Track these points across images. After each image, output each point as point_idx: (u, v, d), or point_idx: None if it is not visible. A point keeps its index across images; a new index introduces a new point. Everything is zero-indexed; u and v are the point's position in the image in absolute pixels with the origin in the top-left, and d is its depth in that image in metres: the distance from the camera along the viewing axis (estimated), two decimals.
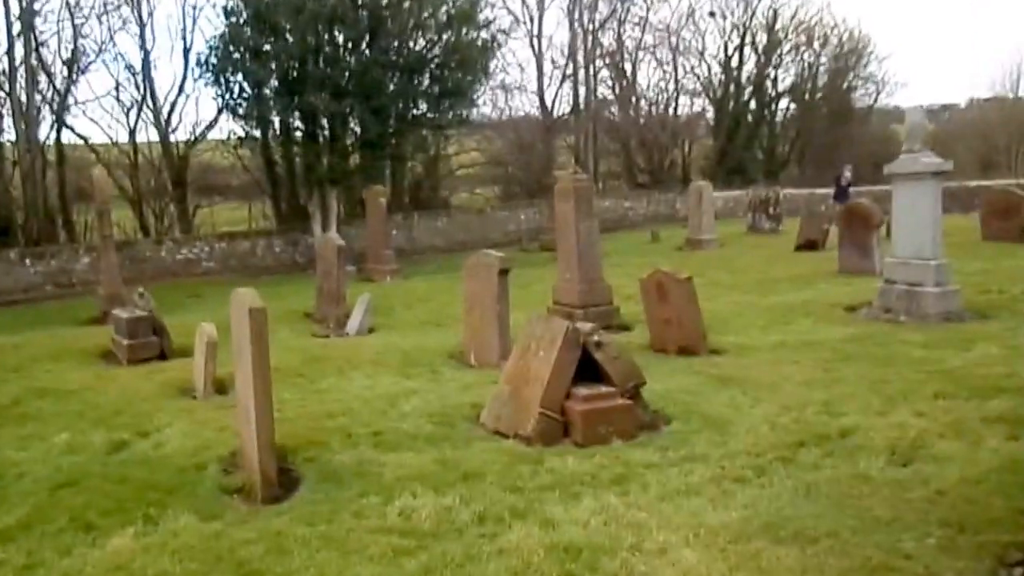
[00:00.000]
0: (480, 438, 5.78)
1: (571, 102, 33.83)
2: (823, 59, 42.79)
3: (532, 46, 32.48)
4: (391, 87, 20.62)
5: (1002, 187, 18.82)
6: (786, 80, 42.86)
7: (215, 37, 21.16)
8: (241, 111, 21.62)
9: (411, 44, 21.12)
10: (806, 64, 42.48)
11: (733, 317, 10.06)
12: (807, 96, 42.72)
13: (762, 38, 40.72)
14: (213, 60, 20.91)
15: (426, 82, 21.26)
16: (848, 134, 43.35)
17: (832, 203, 24.81)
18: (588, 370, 5.90)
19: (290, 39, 19.96)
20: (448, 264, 20.25)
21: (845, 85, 44.10)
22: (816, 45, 42.17)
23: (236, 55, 20.34)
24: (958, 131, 48.03)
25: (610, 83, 36.18)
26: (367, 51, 20.50)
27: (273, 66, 20.09)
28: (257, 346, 4.70)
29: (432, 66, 21.19)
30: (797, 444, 5.35)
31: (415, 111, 21.80)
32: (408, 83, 20.77)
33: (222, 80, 21.10)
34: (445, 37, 21.03)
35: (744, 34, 40.25)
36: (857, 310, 10.24)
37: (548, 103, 33.09)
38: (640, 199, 29.75)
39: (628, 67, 36.59)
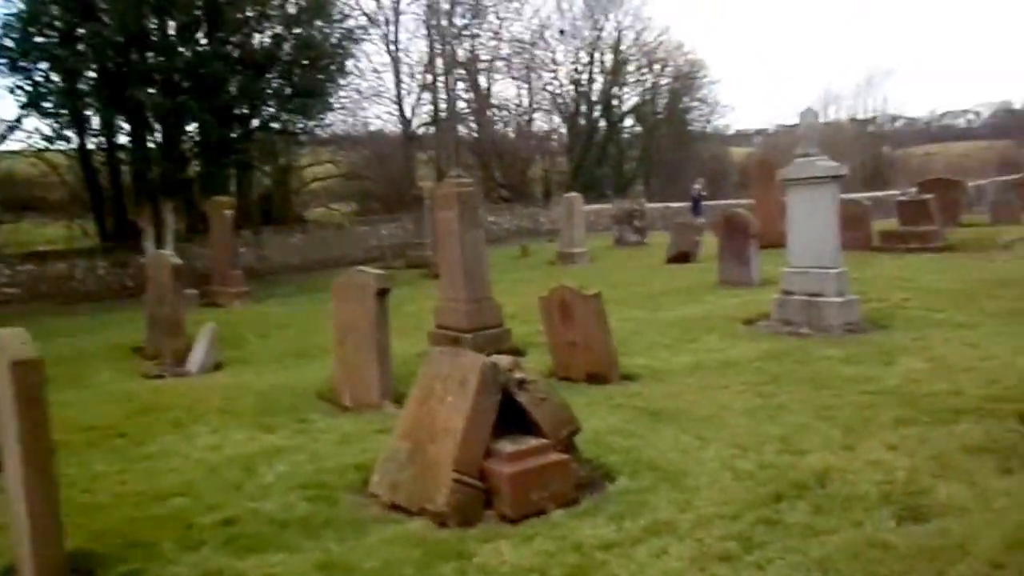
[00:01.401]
0: (375, 519, 4.29)
1: (431, 113, 32.45)
2: (663, 81, 43.78)
3: (389, 52, 30.88)
4: (234, 85, 18.26)
5: (849, 199, 19.06)
6: (631, 100, 43.54)
7: (10, 15, 17.43)
8: (49, 107, 18.00)
9: (257, 37, 18.92)
10: (648, 85, 43.28)
11: (632, 336, 8.99)
12: (650, 116, 43.47)
13: (609, 59, 41.06)
14: (8, 43, 17.28)
15: (275, 81, 19.08)
16: (688, 153, 44.65)
17: (691, 216, 24.76)
18: (509, 417, 4.56)
19: (108, 21, 16.96)
20: (307, 284, 18.35)
21: (682, 106, 45.38)
22: (657, 68, 43.07)
23: (40, 38, 17.07)
24: (766, 153, 50.71)
25: (467, 96, 35.10)
26: (205, 42, 18.12)
27: (90, 53, 17.06)
28: (27, 416, 3.06)
29: (282, 63, 19.01)
30: (774, 498, 4.23)
31: (264, 113, 19.57)
32: (254, 81, 18.49)
33: (22, 68, 17.49)
34: (296, 32, 18.96)
35: (592, 54, 40.42)
36: (755, 323, 9.44)
37: (407, 114, 31.57)
38: (503, 213, 28.71)
39: (483, 81, 35.68)
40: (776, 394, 6.21)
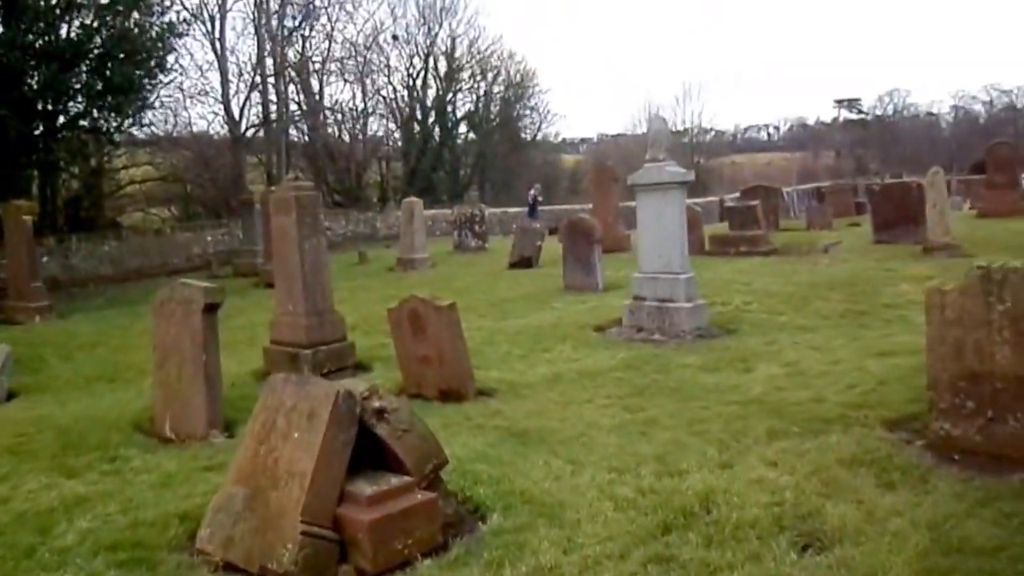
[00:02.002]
0: None
1: (260, 115, 30.64)
2: (496, 89, 43.97)
3: (215, 49, 28.86)
4: (37, 78, 16.28)
5: None
6: (465, 106, 43.41)
7: None
8: None
9: (64, 27, 16.88)
10: (482, 93, 43.33)
11: (484, 346, 8.50)
12: (483, 123, 43.50)
13: (443, 65, 40.71)
14: None
15: (85, 75, 17.12)
16: (521, 159, 45.12)
17: (528, 220, 24.73)
18: (366, 452, 3.91)
19: None
20: (121, 297, 16.61)
21: (515, 114, 45.81)
22: (490, 76, 43.21)
23: None
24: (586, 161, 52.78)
25: (298, 98, 33.53)
26: (0, 30, 16.01)
27: None
28: None
29: (92, 56, 17.08)
30: (662, 529, 3.84)
31: (71, 110, 17.50)
32: (60, 74, 16.55)
33: None
34: (110, 22, 17.09)
35: (427, 60, 39.91)
36: (607, 330, 9.21)
37: (235, 115, 29.61)
38: (338, 219, 27.50)
39: (316, 83, 34.25)
40: (643, 407, 5.88)
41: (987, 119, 67.34)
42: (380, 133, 39.39)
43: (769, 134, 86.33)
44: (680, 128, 56.49)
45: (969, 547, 3.34)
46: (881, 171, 52.57)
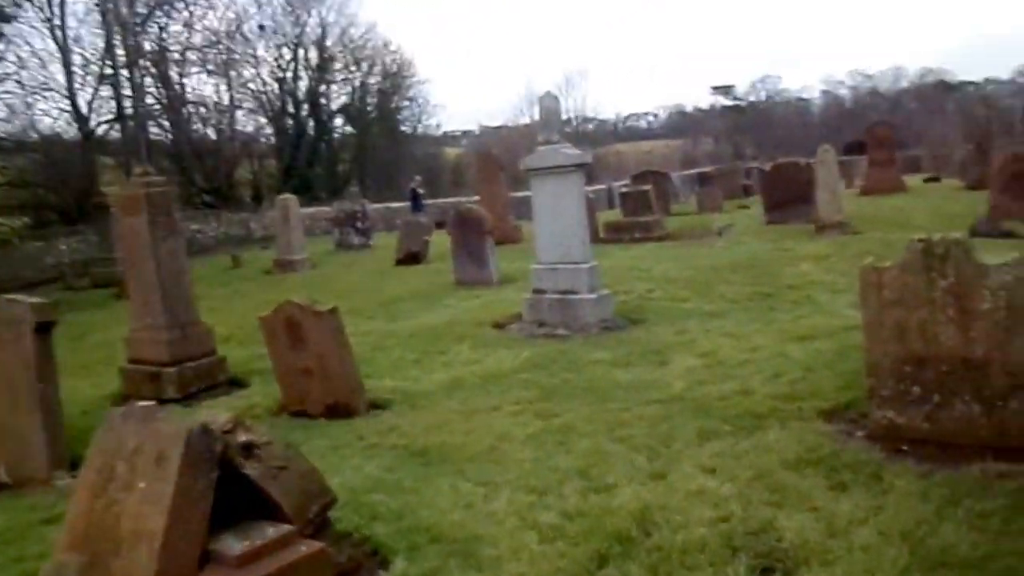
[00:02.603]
0: None
1: (114, 111, 28.49)
2: (372, 80, 42.81)
3: (55, 38, 26.56)
4: None
5: None
6: (340, 99, 42.05)
7: None
8: None
9: None
10: (357, 84, 42.07)
11: (374, 352, 7.80)
12: (361, 115, 42.27)
13: (314, 56, 39.24)
14: None
15: None
16: (403, 153, 44.10)
17: (413, 214, 23.95)
18: (233, 497, 3.20)
19: None
20: None
21: (393, 106, 44.76)
22: (365, 66, 42.00)
23: None
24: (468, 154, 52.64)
25: (157, 92, 31.42)
26: None
27: None
28: None
29: None
30: (596, 561, 3.32)
31: None
32: None
33: None
34: None
35: (296, 50, 38.35)
36: (506, 327, 8.67)
37: (83, 111, 27.42)
38: (209, 221, 25.89)
39: (176, 75, 32.20)
40: (556, 412, 5.35)
41: (853, 103, 70.90)
42: (250, 128, 37.54)
43: (649, 122, 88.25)
44: (564, 118, 56.79)
45: (954, 558, 2.95)
46: (759, 155, 54.47)
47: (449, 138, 64.23)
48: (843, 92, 73.47)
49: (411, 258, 15.31)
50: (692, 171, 41.42)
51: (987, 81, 66.35)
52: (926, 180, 23.18)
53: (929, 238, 4.19)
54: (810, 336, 6.58)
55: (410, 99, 45.87)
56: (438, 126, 53.13)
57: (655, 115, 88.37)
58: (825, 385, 5.18)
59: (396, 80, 43.96)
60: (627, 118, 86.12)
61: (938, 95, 65.07)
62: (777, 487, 3.81)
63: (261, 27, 36.66)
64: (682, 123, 78.43)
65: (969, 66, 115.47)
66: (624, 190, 17.33)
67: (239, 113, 36.27)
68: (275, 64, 37.70)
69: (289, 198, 17.41)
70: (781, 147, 55.60)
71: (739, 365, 6.03)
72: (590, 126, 67.22)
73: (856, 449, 4.15)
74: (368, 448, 5.00)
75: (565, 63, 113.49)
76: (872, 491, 3.65)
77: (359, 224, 19.62)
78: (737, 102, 75.86)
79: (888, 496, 3.57)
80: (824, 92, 74.50)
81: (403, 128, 45.61)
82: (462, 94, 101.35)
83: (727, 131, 69.78)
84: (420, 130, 47.94)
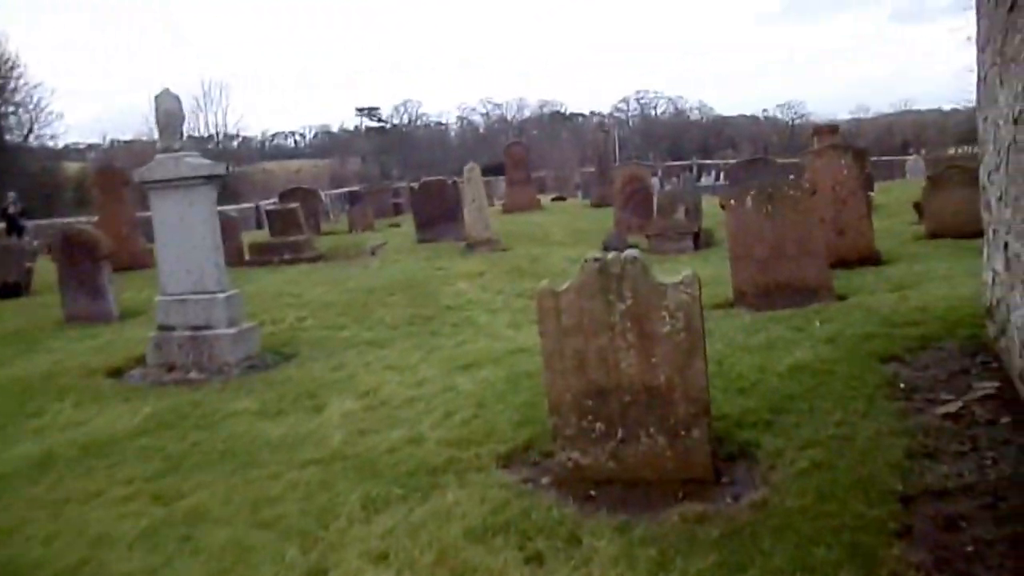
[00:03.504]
0: None
1: None
2: None
3: None
4: None
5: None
6: None
7: None
8: None
9: None
10: None
11: None
12: None
13: None
14: None
15: None
16: (10, 166, 37.64)
17: (10, 237, 20.10)
18: None
19: None
20: None
21: None
22: None
23: None
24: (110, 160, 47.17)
25: None
26: None
27: None
28: None
29: None
30: None
31: None
32: None
33: None
34: None
35: None
36: (126, 374, 7.09)
37: None
38: None
39: None
40: (183, 492, 4.10)
41: (486, 129, 75.53)
42: None
43: (296, 141, 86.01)
44: (205, 134, 53.07)
45: None
46: (404, 175, 55.40)
47: (72, 151, 56.63)
48: (476, 119, 78.02)
49: (8, 290, 12.49)
50: (342, 190, 40.69)
51: (593, 114, 74.48)
52: (554, 199, 24.80)
53: (604, 256, 3.73)
54: (477, 363, 6.01)
55: (17, 104, 39.38)
56: (54, 138, 46.37)
57: (302, 134, 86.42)
58: (500, 423, 4.56)
59: None
60: (274, 136, 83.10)
61: (555, 124, 71.72)
62: (465, 569, 3.03)
63: None
64: (329, 143, 77.58)
65: (578, 100, 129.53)
66: (270, 208, 15.93)
67: None
68: None
69: None
70: (424, 168, 57.19)
71: (406, 404, 5.24)
72: (235, 143, 63.54)
73: (546, 503, 3.53)
74: None
75: (205, 76, 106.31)
76: (573, 560, 3.01)
77: None
78: (382, 124, 76.89)
79: (592, 565, 2.96)
80: (459, 118, 78.48)
81: (8, 136, 38.95)
82: (89, 103, 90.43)
83: (374, 151, 70.31)
84: (33, 141, 41.38)
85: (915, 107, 64.41)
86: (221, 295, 7.15)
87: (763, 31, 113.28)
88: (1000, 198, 4.02)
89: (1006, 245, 3.90)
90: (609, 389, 3.76)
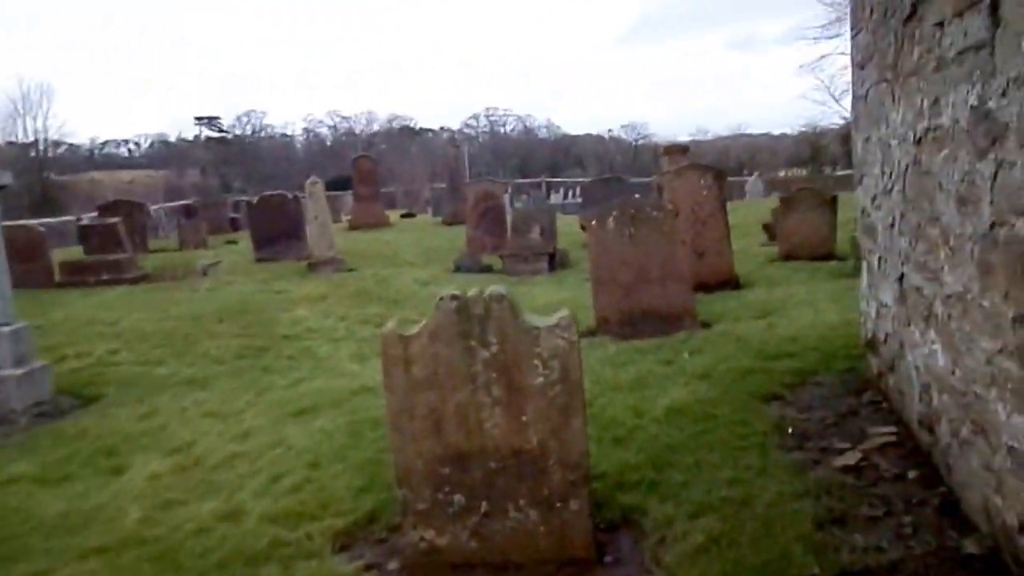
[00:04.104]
0: None
1: None
2: None
3: None
4: None
5: (18, 224, 15.39)
6: None
7: None
8: None
9: None
10: None
11: None
12: None
13: None
14: None
15: None
16: None
17: None
18: None
19: None
20: None
21: None
22: None
23: None
24: None
25: None
26: None
27: None
28: None
29: None
30: None
31: None
32: None
33: None
34: None
35: None
36: None
37: None
38: None
39: None
40: None
41: (333, 141, 73.43)
42: None
43: (130, 150, 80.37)
44: (24, 139, 48.48)
45: None
46: (247, 188, 52.75)
47: None
48: (323, 131, 75.81)
49: None
50: (177, 203, 38.01)
51: (443, 129, 74.14)
52: (404, 215, 23.97)
53: (463, 293, 3.05)
54: (313, 408, 5.17)
55: None
56: None
57: (136, 143, 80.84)
58: (338, 488, 3.77)
59: None
60: (104, 144, 77.26)
61: (404, 138, 70.80)
62: None
63: None
64: (166, 153, 72.95)
65: (428, 115, 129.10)
66: (85, 223, 14.21)
67: None
68: None
69: None
70: (269, 181, 54.62)
71: (225, 464, 4.33)
72: (60, 150, 58.58)
73: None
74: None
75: (24, 77, 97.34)
76: None
77: None
78: (223, 134, 73.18)
79: None
80: (306, 130, 75.99)
81: None
82: None
83: (214, 163, 66.68)
84: None
85: (748, 131, 68.20)
86: (5, 329, 5.93)
87: (607, 54, 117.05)
88: (892, 224, 3.67)
89: (902, 276, 3.54)
90: (471, 454, 3.08)
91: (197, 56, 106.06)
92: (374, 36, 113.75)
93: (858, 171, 4.47)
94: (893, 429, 3.65)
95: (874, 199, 4.07)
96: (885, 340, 3.99)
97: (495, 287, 3.09)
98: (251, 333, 7.97)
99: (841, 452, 3.52)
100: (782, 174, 30.21)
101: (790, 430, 3.86)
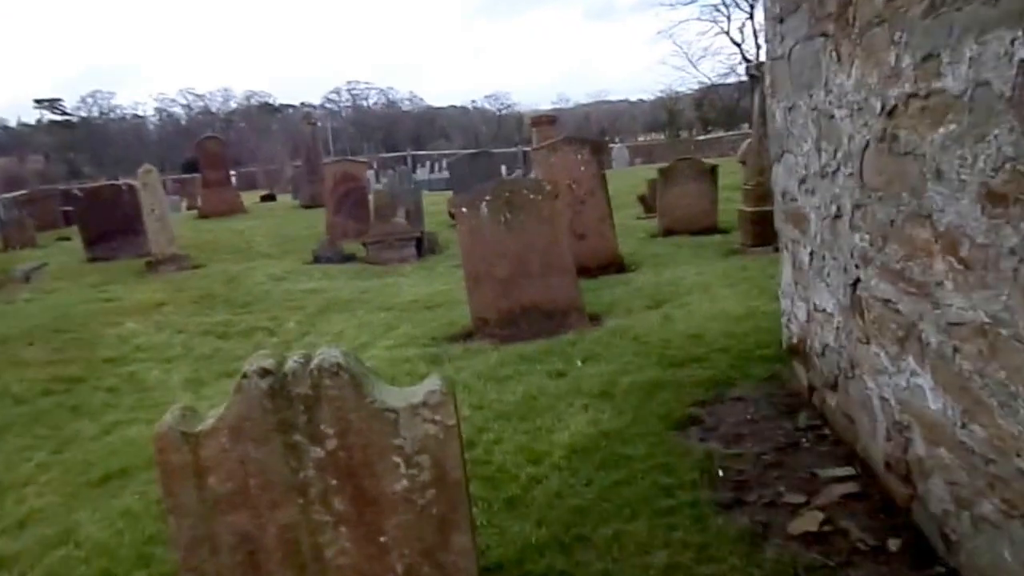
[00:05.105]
0: None
1: None
2: None
3: None
4: None
5: None
6: None
7: None
8: None
9: None
10: None
11: None
12: None
13: None
14: None
15: None
16: None
17: None
18: None
19: None
20: None
21: None
22: None
23: None
24: None
25: None
26: None
27: None
28: None
29: None
30: None
31: None
32: None
33: None
34: None
35: None
36: None
37: None
38: None
39: None
40: None
41: (188, 121, 68.52)
42: None
43: None
44: None
45: None
46: (95, 174, 48.39)
47: None
48: (177, 111, 70.67)
49: None
50: (15, 194, 34.02)
51: (303, 105, 70.63)
52: (263, 199, 22.04)
53: (280, 363, 1.97)
54: (121, 473, 3.91)
55: None
56: None
57: None
58: None
59: None
60: None
61: (264, 116, 66.92)
62: None
63: None
64: (4, 139, 65.97)
65: (287, 91, 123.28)
66: None
67: None
68: None
69: None
70: (121, 164, 50.26)
71: None
72: None
73: None
74: None
75: None
76: None
77: None
78: (67, 117, 66.86)
79: None
80: (158, 110, 70.60)
81: None
82: None
83: (59, 148, 60.82)
84: None
85: (608, 98, 68.41)
86: None
87: (469, 24, 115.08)
88: (837, 216, 2.84)
89: (857, 282, 2.71)
90: None
91: (32, 35, 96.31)
92: (229, 9, 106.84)
93: (776, 146, 3.65)
94: (850, 471, 2.85)
95: (803, 181, 3.24)
96: (823, 352, 3.20)
97: (327, 351, 2.01)
98: (66, 358, 6.50)
99: (795, 509, 2.69)
100: (641, 139, 30.05)
101: (720, 473, 3.02)
